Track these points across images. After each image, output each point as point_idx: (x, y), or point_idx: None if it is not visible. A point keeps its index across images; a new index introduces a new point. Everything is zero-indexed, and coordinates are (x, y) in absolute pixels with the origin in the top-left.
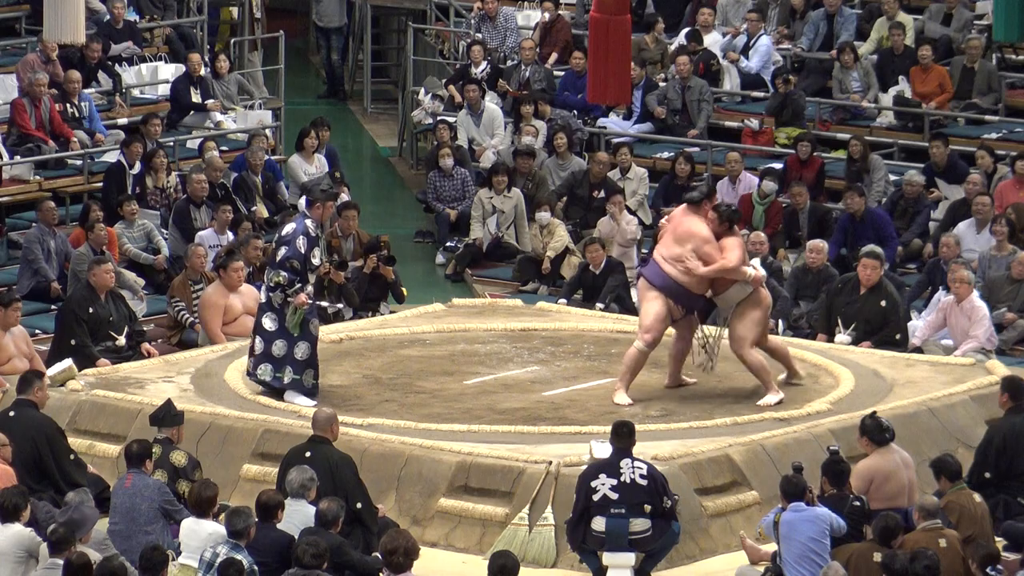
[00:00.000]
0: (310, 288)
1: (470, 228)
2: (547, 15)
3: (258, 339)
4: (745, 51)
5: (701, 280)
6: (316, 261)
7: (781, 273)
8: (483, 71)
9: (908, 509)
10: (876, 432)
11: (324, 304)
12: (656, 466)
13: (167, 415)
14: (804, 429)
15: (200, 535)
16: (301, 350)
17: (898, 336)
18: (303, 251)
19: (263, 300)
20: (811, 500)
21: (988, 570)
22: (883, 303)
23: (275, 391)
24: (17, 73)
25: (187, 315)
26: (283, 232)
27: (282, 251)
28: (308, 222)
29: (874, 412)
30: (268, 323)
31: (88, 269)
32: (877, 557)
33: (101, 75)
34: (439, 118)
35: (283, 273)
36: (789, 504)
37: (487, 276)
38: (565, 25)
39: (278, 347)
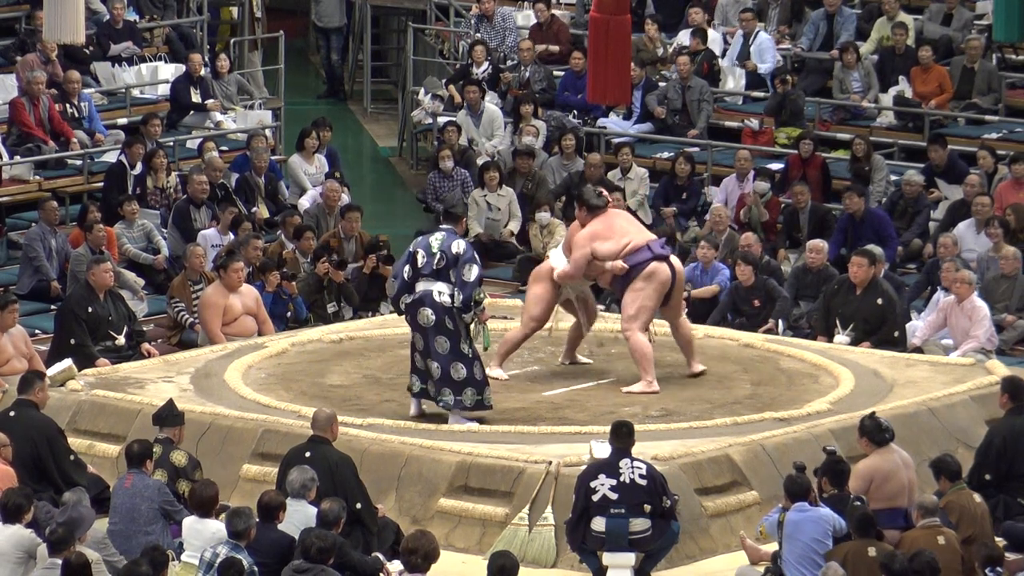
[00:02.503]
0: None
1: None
2: (538, 17)
3: (434, 363)
4: (746, 51)
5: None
6: None
7: (780, 273)
8: (484, 71)
9: (908, 509)
10: (876, 432)
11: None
12: (656, 466)
13: (169, 415)
14: (804, 429)
15: (204, 534)
16: (479, 369)
17: (896, 334)
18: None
19: (433, 320)
20: (813, 500)
21: (988, 571)
22: (879, 301)
23: (454, 413)
24: (16, 73)
25: (187, 315)
26: (457, 250)
27: (475, 269)
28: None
29: (873, 412)
30: (444, 345)
31: (87, 269)
32: (872, 552)
33: (101, 75)
34: (447, 120)
35: (482, 290)
36: (793, 503)
37: (487, 276)
38: (561, 26)
39: (456, 370)
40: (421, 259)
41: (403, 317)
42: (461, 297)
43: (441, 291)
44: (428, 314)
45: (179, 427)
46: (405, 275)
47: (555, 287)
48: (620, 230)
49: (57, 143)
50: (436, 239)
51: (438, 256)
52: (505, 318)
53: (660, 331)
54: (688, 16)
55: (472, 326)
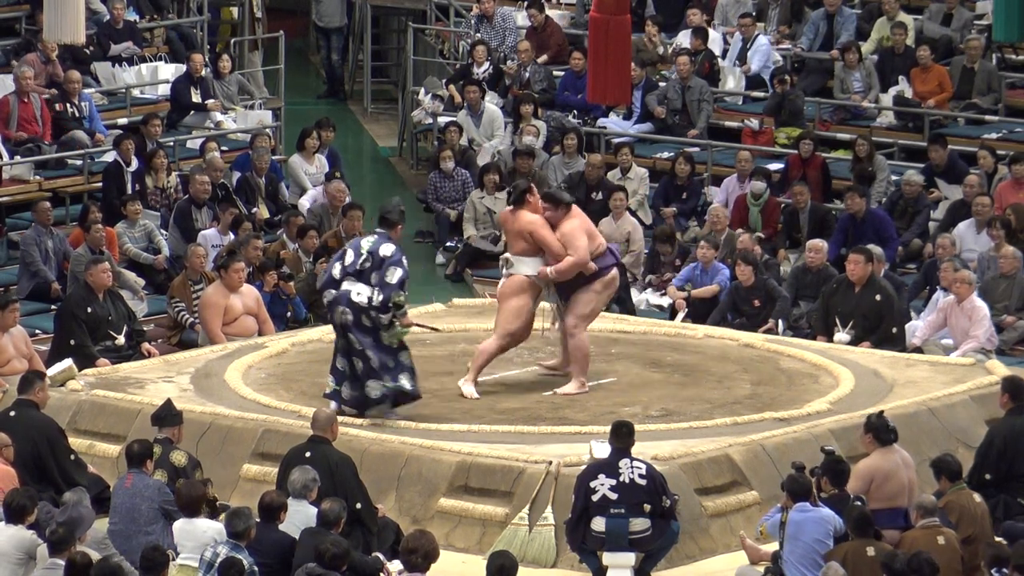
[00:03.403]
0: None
1: (463, 228)
2: (531, 20)
3: (356, 360)
4: (744, 54)
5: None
6: None
7: (779, 273)
8: (485, 71)
9: (908, 509)
10: (882, 431)
11: (426, 326)
12: (656, 466)
13: (167, 415)
14: (804, 429)
15: (194, 534)
16: (406, 355)
17: (894, 331)
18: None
19: (347, 319)
20: (814, 500)
21: (995, 572)
22: (878, 297)
23: (393, 402)
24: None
25: (187, 315)
26: (384, 253)
27: (398, 272)
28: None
29: (882, 412)
30: (359, 340)
31: (85, 269)
32: (870, 552)
33: (101, 75)
34: (448, 120)
35: (403, 294)
36: (794, 503)
37: (487, 276)
38: (556, 28)
39: (378, 359)
40: (349, 258)
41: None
42: (380, 298)
43: (360, 292)
44: (343, 313)
45: (178, 427)
46: (334, 271)
47: (531, 298)
48: (594, 230)
49: (55, 139)
50: (368, 241)
51: (364, 257)
52: (436, 330)
53: (658, 331)
54: (687, 17)
55: (388, 330)
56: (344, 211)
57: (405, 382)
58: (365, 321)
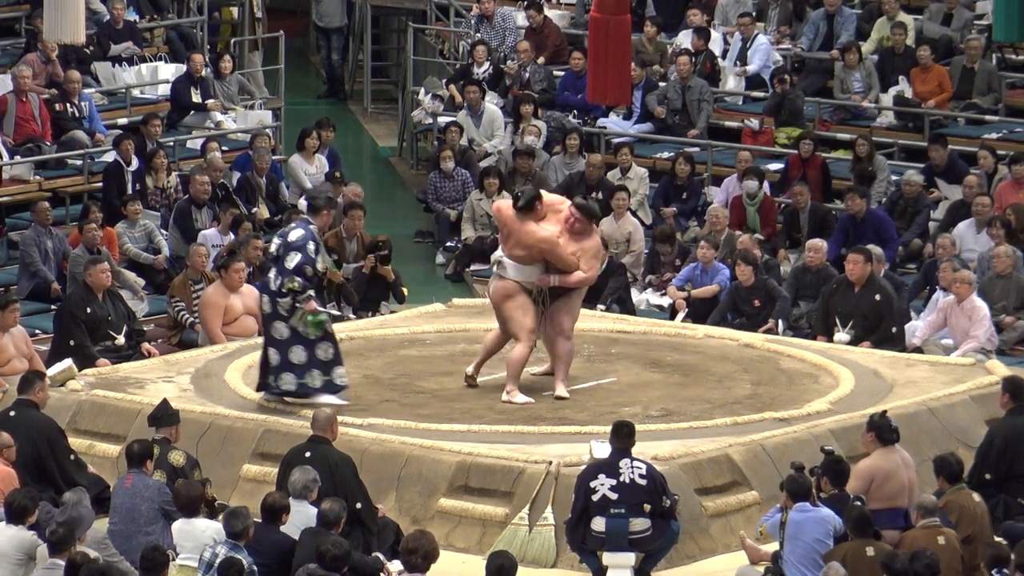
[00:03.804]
0: (313, 294)
1: (462, 229)
2: (529, 21)
3: (272, 351)
4: (744, 54)
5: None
6: (321, 267)
7: (779, 274)
8: (485, 71)
9: (908, 509)
10: (885, 431)
11: (334, 312)
12: (656, 466)
13: (164, 415)
14: (804, 429)
15: (193, 534)
16: (323, 351)
17: (894, 330)
18: (313, 257)
19: (267, 310)
20: (813, 500)
21: (995, 572)
22: (877, 297)
23: (304, 398)
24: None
25: (187, 315)
26: (292, 238)
27: (296, 257)
28: (312, 228)
29: (885, 411)
30: (281, 331)
31: (84, 269)
32: (870, 552)
33: (101, 75)
34: (449, 120)
35: (297, 279)
36: (794, 503)
37: (487, 276)
38: (554, 29)
39: (296, 354)
40: (273, 245)
41: None
42: (278, 283)
43: (273, 279)
44: (264, 301)
45: (175, 426)
46: (268, 260)
47: (526, 296)
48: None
49: (55, 139)
50: (289, 227)
51: (278, 243)
52: (337, 317)
53: (658, 331)
54: (687, 18)
55: (293, 317)
56: (345, 210)
57: (312, 380)
58: (282, 310)
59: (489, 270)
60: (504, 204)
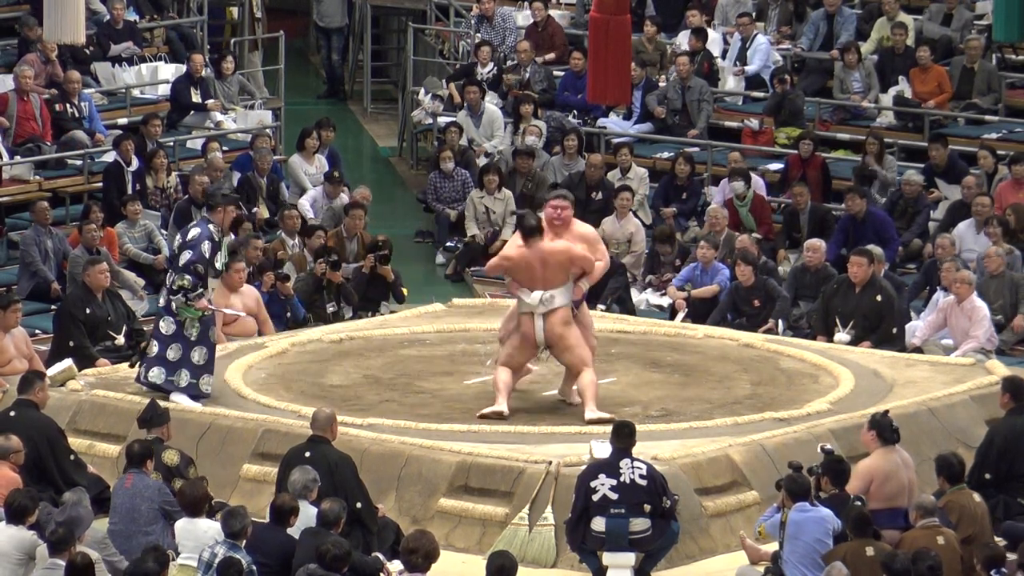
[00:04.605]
0: (210, 293)
1: (465, 228)
2: (534, 16)
3: (154, 342)
4: (743, 54)
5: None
6: (219, 266)
7: (777, 273)
8: (489, 72)
9: (908, 509)
10: (886, 430)
11: (227, 311)
12: (656, 466)
13: (154, 415)
14: (804, 429)
15: (196, 534)
16: (199, 354)
17: (895, 331)
18: (208, 255)
19: (162, 304)
20: (812, 500)
21: (993, 573)
22: (878, 298)
23: (164, 393)
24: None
25: None
26: (188, 236)
27: (187, 255)
28: (211, 227)
29: (887, 411)
30: (165, 327)
31: (83, 270)
32: (869, 552)
33: (101, 75)
34: (449, 120)
35: (187, 277)
36: (794, 503)
37: (487, 276)
38: (557, 27)
39: (173, 351)
40: (176, 243)
41: None
42: (170, 280)
43: (169, 275)
44: (162, 294)
45: (166, 425)
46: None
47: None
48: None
49: (55, 139)
50: (190, 225)
51: (177, 242)
52: (233, 314)
53: (658, 331)
54: (687, 19)
55: (182, 310)
56: (346, 209)
57: (179, 379)
58: (174, 307)
59: (535, 308)
60: (508, 252)
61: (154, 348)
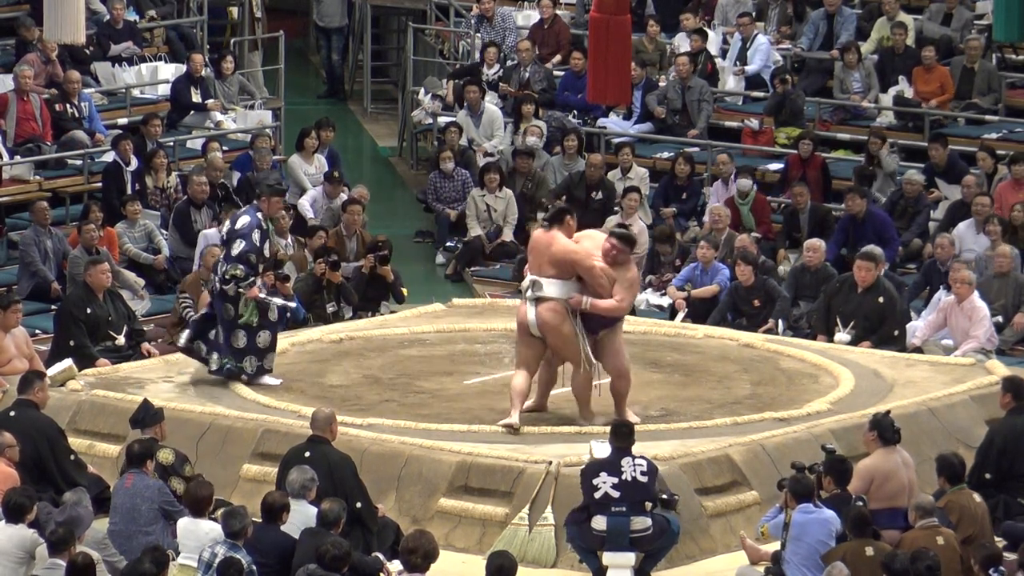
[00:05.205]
0: (260, 281)
1: (467, 228)
2: (542, 14)
3: (219, 329)
4: (743, 54)
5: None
6: (267, 254)
7: (777, 273)
8: (495, 73)
9: (908, 509)
10: (888, 430)
11: (278, 301)
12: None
13: (147, 415)
14: (804, 429)
15: (198, 535)
16: (263, 338)
17: (896, 332)
18: (258, 245)
19: (217, 288)
20: (816, 501)
21: (991, 572)
22: (880, 299)
23: (232, 379)
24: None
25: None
26: (237, 226)
27: (240, 244)
28: (259, 215)
29: (888, 411)
30: (229, 312)
31: (84, 270)
32: (869, 552)
33: (101, 75)
34: (449, 120)
35: (240, 267)
36: (798, 504)
37: (487, 276)
38: (563, 27)
39: (239, 338)
40: (224, 229)
41: None
42: (223, 269)
43: (221, 264)
44: (214, 279)
45: (160, 424)
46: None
47: (572, 321)
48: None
49: (54, 139)
50: (239, 213)
51: (226, 228)
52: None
53: (658, 331)
54: (683, 21)
55: (243, 301)
56: (344, 206)
57: (248, 365)
58: (230, 292)
59: (522, 293)
60: (536, 232)
61: (218, 335)
